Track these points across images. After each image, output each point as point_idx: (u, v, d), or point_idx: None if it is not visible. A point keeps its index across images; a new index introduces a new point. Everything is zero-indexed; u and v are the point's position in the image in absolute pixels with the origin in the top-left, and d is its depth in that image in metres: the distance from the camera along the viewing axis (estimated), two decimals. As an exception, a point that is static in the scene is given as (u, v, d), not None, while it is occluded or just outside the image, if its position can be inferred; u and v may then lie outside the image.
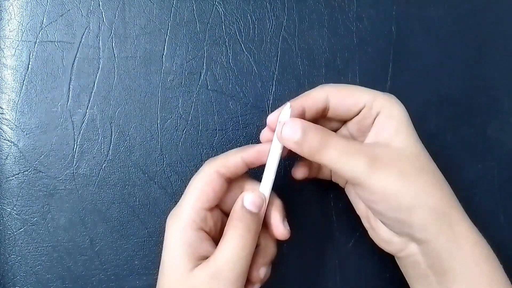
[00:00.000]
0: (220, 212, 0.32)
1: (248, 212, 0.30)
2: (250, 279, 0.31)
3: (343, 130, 0.33)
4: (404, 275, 0.32)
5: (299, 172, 0.33)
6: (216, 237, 0.31)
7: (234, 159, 0.30)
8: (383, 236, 0.31)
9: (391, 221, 0.30)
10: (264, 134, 0.32)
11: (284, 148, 0.30)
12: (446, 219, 0.28)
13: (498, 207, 0.38)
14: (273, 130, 0.30)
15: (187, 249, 0.29)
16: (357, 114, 0.31)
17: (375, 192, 0.29)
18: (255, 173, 0.33)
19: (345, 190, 0.34)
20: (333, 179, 0.35)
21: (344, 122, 0.33)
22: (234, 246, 0.29)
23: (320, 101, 0.31)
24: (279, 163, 0.31)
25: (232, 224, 0.29)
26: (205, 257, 0.29)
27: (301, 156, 0.30)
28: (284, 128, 0.29)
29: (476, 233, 0.30)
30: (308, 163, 0.33)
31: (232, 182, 0.31)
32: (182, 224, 0.29)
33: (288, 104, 0.30)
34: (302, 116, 0.30)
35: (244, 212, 0.30)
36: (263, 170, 0.31)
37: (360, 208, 0.33)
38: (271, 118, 0.31)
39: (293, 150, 0.30)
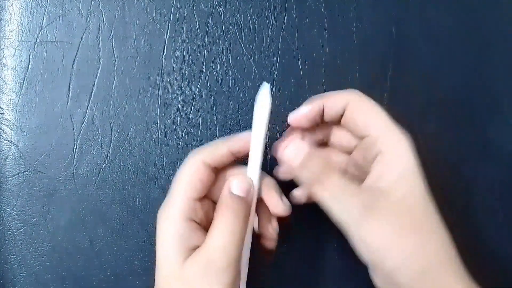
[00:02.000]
0: (210, 202, 0.31)
1: (235, 197, 0.29)
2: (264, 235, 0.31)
3: (351, 157, 0.32)
4: None
5: (298, 197, 0.32)
6: (207, 227, 0.30)
7: (220, 150, 0.30)
8: (376, 283, 0.30)
9: (378, 274, 0.29)
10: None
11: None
12: (435, 282, 0.27)
13: (498, 207, 0.38)
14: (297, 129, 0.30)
15: (178, 240, 0.28)
16: (362, 138, 0.30)
17: (362, 243, 0.28)
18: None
19: None
20: None
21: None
22: (223, 232, 0.28)
23: (340, 105, 0.30)
24: (265, 149, 0.30)
25: (220, 211, 0.29)
26: (194, 248, 0.29)
27: None
28: (288, 149, 0.29)
29: None
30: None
31: (220, 171, 0.31)
32: (172, 216, 0.29)
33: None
34: (319, 114, 0.30)
35: (231, 197, 0.29)
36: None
37: None
38: (292, 117, 0.31)
39: (289, 174, 0.29)
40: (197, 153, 0.30)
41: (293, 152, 0.29)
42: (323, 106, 0.31)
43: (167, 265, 0.29)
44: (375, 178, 0.29)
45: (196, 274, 0.28)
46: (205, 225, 0.30)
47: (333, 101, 0.31)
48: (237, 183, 0.30)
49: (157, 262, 0.29)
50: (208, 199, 0.31)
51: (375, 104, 0.30)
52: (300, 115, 0.31)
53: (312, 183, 0.29)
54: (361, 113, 0.30)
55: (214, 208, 0.31)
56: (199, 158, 0.30)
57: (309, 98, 0.30)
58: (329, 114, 0.31)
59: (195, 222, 0.30)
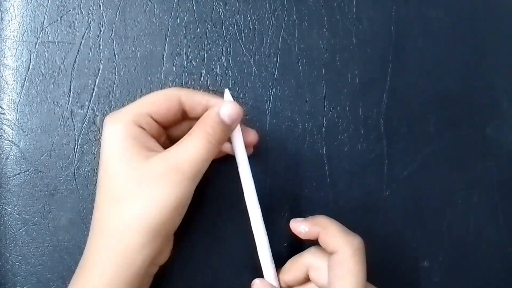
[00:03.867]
0: (166, 139, 0.31)
1: (221, 121, 0.29)
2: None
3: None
4: None
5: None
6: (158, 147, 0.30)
7: (199, 97, 0.30)
8: None
9: None
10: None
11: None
12: None
13: (498, 207, 0.38)
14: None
15: (133, 143, 0.28)
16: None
17: None
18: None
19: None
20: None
21: None
22: (198, 147, 0.28)
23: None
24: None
25: (202, 127, 0.29)
26: (155, 151, 0.28)
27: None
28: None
29: None
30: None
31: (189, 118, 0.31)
32: (124, 121, 0.28)
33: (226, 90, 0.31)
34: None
35: (217, 120, 0.29)
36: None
37: None
38: (293, 224, 0.32)
39: None
40: (178, 88, 0.31)
41: None
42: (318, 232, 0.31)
43: (121, 165, 0.28)
44: None
45: (162, 173, 0.27)
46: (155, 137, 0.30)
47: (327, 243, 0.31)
48: (228, 109, 0.29)
49: (102, 166, 0.28)
50: (166, 135, 0.31)
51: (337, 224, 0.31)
52: (298, 230, 0.32)
53: None
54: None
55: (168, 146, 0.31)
56: (177, 91, 0.30)
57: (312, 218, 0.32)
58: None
59: (144, 128, 0.29)
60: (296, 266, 0.32)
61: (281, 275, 0.33)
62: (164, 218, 0.27)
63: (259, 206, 0.31)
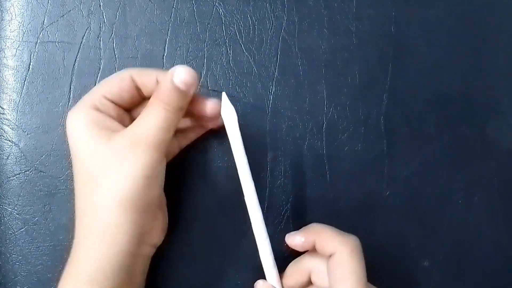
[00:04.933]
0: (129, 116, 0.32)
1: (176, 88, 0.28)
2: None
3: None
4: None
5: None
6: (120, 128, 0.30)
7: (150, 72, 0.30)
8: None
9: None
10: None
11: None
12: None
13: (498, 207, 0.38)
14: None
15: (94, 126, 0.28)
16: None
17: None
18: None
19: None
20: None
21: None
22: (155, 116, 0.28)
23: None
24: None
25: (156, 97, 0.29)
26: (116, 130, 0.29)
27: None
28: None
29: None
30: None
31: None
32: (81, 109, 0.29)
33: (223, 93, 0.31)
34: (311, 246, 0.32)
35: (172, 88, 0.28)
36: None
37: None
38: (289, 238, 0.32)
39: None
40: (130, 68, 0.31)
41: None
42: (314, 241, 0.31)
43: (85, 150, 0.28)
44: None
45: (124, 148, 0.28)
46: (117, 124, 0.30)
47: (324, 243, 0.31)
48: (181, 73, 0.28)
49: (73, 153, 0.29)
50: (129, 114, 0.32)
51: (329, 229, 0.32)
52: (295, 243, 0.32)
53: None
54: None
55: (131, 118, 0.31)
56: (128, 71, 0.30)
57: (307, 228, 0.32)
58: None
59: (107, 115, 0.30)
60: (297, 270, 0.33)
61: (284, 280, 0.33)
62: (135, 190, 0.28)
63: (260, 209, 0.31)
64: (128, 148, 0.28)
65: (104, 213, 0.28)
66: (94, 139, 0.28)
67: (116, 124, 0.30)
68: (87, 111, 0.29)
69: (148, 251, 0.31)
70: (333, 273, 0.30)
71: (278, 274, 0.32)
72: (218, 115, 0.31)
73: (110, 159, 0.28)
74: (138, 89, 0.31)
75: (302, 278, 0.32)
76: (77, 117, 0.29)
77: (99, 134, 0.28)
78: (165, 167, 0.31)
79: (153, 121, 0.28)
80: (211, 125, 0.34)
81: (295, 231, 0.33)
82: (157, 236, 0.31)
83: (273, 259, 0.32)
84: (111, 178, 0.28)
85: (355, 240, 0.30)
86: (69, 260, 0.29)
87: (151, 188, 0.29)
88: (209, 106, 0.31)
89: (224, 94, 0.31)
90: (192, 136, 0.35)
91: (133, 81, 0.30)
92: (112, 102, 0.30)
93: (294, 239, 0.32)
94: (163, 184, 0.32)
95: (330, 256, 0.30)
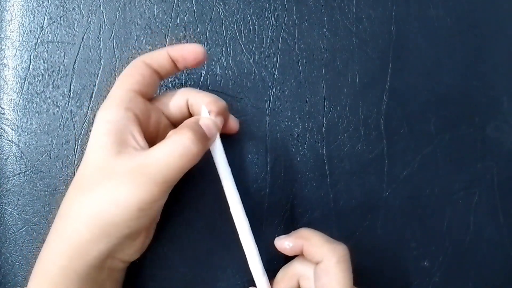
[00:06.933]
0: (155, 108, 0.31)
1: (203, 135, 0.28)
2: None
3: None
4: None
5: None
6: (146, 128, 0.30)
7: (159, 51, 0.30)
8: None
9: None
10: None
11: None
12: None
13: (498, 207, 0.38)
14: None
15: (111, 128, 0.28)
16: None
17: None
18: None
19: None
20: None
21: None
22: (173, 153, 0.27)
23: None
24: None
25: (180, 133, 0.28)
26: (132, 147, 0.28)
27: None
28: None
29: None
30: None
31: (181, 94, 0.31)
32: (109, 105, 0.29)
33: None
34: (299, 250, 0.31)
35: (200, 131, 0.28)
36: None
37: None
38: (278, 242, 0.32)
39: None
40: (138, 56, 0.31)
41: None
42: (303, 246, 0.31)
43: (95, 155, 0.28)
44: None
45: (125, 171, 0.27)
46: (144, 123, 0.30)
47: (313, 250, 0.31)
48: (209, 124, 0.29)
49: (86, 154, 0.28)
50: (153, 104, 0.31)
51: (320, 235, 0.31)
52: (283, 247, 0.32)
53: None
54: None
55: (158, 112, 0.31)
56: (140, 58, 0.30)
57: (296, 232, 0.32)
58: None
59: (134, 113, 0.29)
60: (287, 276, 0.32)
61: (274, 286, 0.33)
62: (124, 217, 0.26)
63: (247, 218, 0.31)
64: (132, 173, 0.26)
65: (83, 227, 0.27)
66: (108, 146, 0.27)
67: (137, 132, 0.29)
68: (112, 110, 0.28)
69: (117, 265, 0.30)
70: (320, 281, 0.29)
71: (268, 282, 0.32)
72: (199, 61, 0.31)
73: (108, 176, 0.27)
74: (157, 72, 0.30)
75: (291, 284, 0.32)
76: (104, 116, 0.28)
77: (115, 141, 0.27)
78: (166, 199, 0.30)
79: (168, 156, 0.27)
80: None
81: (284, 235, 0.32)
82: (130, 255, 0.30)
83: (263, 268, 0.32)
84: (105, 196, 0.27)
85: (344, 248, 0.30)
86: (38, 258, 0.28)
87: (142, 219, 0.28)
88: (189, 53, 0.30)
89: (203, 107, 0.30)
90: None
91: (148, 65, 0.30)
92: (139, 93, 0.30)
93: (283, 244, 0.32)
94: (159, 212, 0.31)
95: (317, 263, 0.30)
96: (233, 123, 0.34)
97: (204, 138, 0.28)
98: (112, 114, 0.28)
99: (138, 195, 0.26)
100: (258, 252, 0.31)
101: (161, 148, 0.27)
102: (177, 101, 0.32)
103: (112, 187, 0.27)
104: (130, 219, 0.27)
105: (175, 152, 0.27)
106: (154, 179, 0.27)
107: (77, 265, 0.27)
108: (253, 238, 0.31)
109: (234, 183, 0.31)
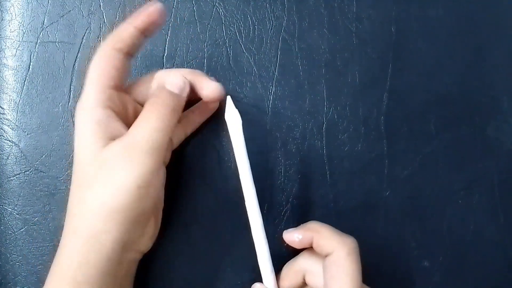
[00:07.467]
0: (130, 98, 0.31)
1: (168, 91, 0.29)
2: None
3: None
4: None
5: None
6: (127, 120, 0.30)
7: (126, 30, 0.29)
8: None
9: None
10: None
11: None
12: None
13: (498, 207, 0.38)
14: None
15: (96, 127, 0.28)
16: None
17: None
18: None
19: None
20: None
21: None
22: (150, 119, 0.28)
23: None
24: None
25: (150, 102, 0.29)
26: (117, 137, 0.28)
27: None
28: None
29: None
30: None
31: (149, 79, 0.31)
32: (87, 105, 0.29)
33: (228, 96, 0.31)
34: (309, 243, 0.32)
35: (163, 91, 0.29)
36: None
37: None
38: (286, 235, 0.32)
39: None
40: (105, 41, 0.30)
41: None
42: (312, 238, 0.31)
43: (84, 152, 0.28)
44: None
45: (117, 155, 0.27)
46: (124, 117, 0.30)
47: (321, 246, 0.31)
48: (172, 79, 0.30)
49: (74, 155, 0.29)
50: (128, 93, 0.31)
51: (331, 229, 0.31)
52: (292, 239, 0.32)
53: None
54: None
55: (133, 103, 0.31)
56: (109, 45, 0.29)
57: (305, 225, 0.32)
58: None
59: (113, 110, 0.29)
60: (292, 272, 0.32)
61: (279, 282, 0.33)
62: (126, 201, 0.27)
63: (261, 215, 0.31)
64: (122, 155, 0.27)
65: (92, 219, 0.27)
66: (95, 142, 0.28)
67: (120, 126, 0.29)
68: (94, 111, 0.29)
69: (135, 257, 0.31)
70: (329, 272, 0.29)
71: (276, 280, 0.32)
72: (218, 98, 0.31)
73: (104, 166, 0.27)
74: (128, 54, 0.30)
75: (296, 279, 0.32)
76: (85, 117, 0.29)
77: (101, 137, 0.28)
78: (164, 174, 0.31)
79: (147, 124, 0.28)
80: (212, 106, 0.34)
81: (293, 228, 0.33)
82: (145, 243, 0.31)
83: (272, 266, 0.32)
84: (104, 185, 0.27)
85: (353, 241, 0.30)
86: (55, 259, 0.29)
87: (144, 199, 0.28)
88: (208, 90, 0.31)
89: (229, 98, 0.31)
90: (197, 120, 0.35)
91: (119, 50, 0.29)
92: (115, 89, 0.30)
93: (292, 236, 0.32)
94: (161, 191, 0.32)
95: (327, 255, 0.30)
96: (212, 85, 0.32)
97: (173, 95, 0.29)
98: (93, 115, 0.28)
99: (133, 171, 0.27)
100: (268, 249, 0.32)
101: (139, 121, 0.28)
102: (149, 86, 0.31)
103: (108, 174, 0.27)
104: (133, 201, 0.27)
105: (152, 119, 0.28)
106: (143, 150, 0.27)
107: (95, 260, 0.27)
108: (265, 235, 0.31)
109: (252, 178, 0.31)
